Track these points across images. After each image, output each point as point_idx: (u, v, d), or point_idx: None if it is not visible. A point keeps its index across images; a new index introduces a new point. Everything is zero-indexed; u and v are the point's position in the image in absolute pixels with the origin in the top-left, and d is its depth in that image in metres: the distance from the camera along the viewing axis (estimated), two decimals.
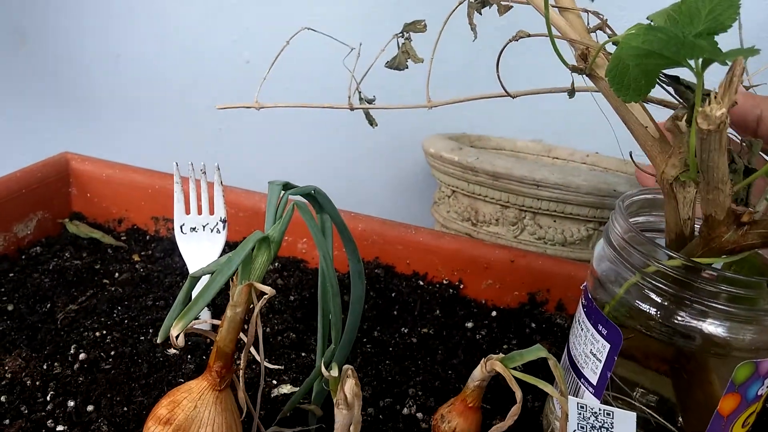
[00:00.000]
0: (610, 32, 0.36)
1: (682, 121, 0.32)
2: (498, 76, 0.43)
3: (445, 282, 0.53)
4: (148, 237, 0.58)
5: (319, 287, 0.34)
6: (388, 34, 0.51)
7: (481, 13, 0.45)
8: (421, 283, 0.53)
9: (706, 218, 0.29)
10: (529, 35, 0.39)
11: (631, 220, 0.35)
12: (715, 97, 0.26)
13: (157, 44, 0.81)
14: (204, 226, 0.44)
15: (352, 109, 0.49)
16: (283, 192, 0.34)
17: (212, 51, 0.81)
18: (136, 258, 0.54)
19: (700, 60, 0.27)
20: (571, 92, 0.39)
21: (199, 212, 0.44)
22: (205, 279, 0.30)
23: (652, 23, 0.30)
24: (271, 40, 0.79)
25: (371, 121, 0.51)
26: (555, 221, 0.56)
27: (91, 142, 0.86)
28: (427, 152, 0.64)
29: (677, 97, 0.33)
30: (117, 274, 0.51)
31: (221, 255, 0.45)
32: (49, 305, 0.45)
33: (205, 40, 0.80)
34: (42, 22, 0.84)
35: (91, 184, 0.61)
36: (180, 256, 0.47)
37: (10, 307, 0.44)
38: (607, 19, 0.37)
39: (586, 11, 0.38)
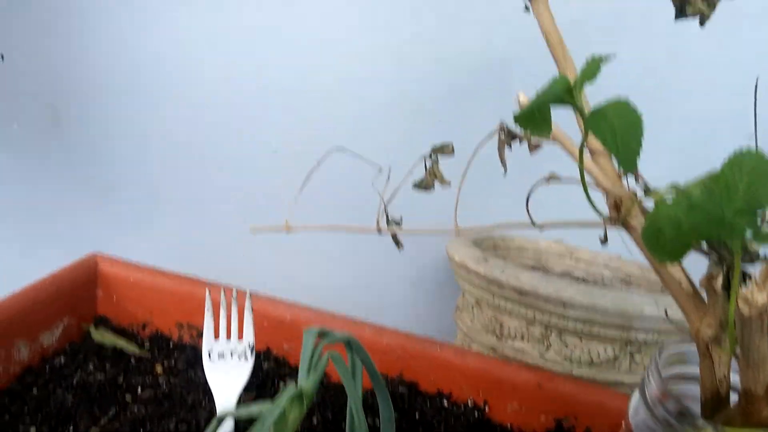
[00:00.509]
0: (642, 180, 0.37)
1: (717, 280, 0.32)
2: (527, 210, 0.43)
3: (469, 404, 0.52)
4: (171, 344, 0.58)
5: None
6: (416, 153, 0.52)
7: (511, 148, 0.46)
8: (446, 403, 0.52)
9: (745, 390, 0.29)
10: (560, 179, 0.40)
11: (667, 371, 0.35)
12: (756, 283, 0.26)
13: (186, 128, 0.83)
14: (231, 353, 0.43)
15: (379, 232, 0.50)
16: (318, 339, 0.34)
17: (239, 137, 0.82)
18: (158, 370, 0.54)
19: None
20: (604, 240, 0.39)
21: (228, 337, 0.44)
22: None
23: (688, 195, 0.30)
24: (298, 128, 0.82)
25: (398, 243, 0.51)
26: (581, 341, 0.56)
27: (116, 233, 0.87)
28: (452, 259, 0.64)
29: (711, 253, 0.33)
30: (140, 389, 0.50)
31: (247, 382, 0.45)
32: (71, 428, 0.44)
33: (232, 127, 0.82)
34: (74, 103, 0.87)
35: (117, 287, 0.61)
36: (203, 369, 0.47)
37: (32, 431, 0.44)
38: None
39: None
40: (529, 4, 0.40)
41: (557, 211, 0.46)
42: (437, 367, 0.54)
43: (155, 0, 0.78)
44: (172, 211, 0.87)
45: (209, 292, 0.43)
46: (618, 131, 0.29)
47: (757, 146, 0.30)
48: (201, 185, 0.85)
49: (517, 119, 0.31)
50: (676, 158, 0.67)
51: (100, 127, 0.85)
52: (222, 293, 0.45)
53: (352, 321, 0.57)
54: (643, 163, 0.30)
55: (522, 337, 0.58)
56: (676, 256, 0.31)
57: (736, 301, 0.26)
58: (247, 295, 0.43)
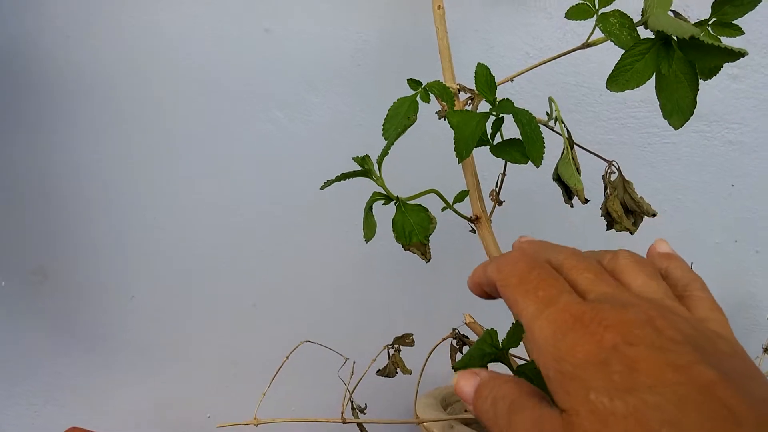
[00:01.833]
0: None
1: None
2: None
3: None
4: None
5: None
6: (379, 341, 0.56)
7: (462, 353, 0.50)
8: None
9: None
10: None
11: None
12: None
13: (166, 286, 0.87)
14: None
15: (344, 423, 0.53)
16: None
17: (218, 291, 0.86)
18: None
19: None
20: None
21: None
22: None
23: None
24: (278, 282, 0.85)
25: (363, 431, 0.54)
26: None
27: (100, 391, 0.88)
28: (420, 421, 0.67)
29: None
30: None
31: None
32: None
33: (210, 281, 0.86)
34: (62, 264, 0.90)
35: None
36: None
37: None
38: None
39: None
40: (474, 227, 0.45)
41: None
42: None
43: (146, 173, 0.84)
44: (156, 371, 0.89)
45: None
46: None
47: None
48: (184, 349, 0.88)
49: (455, 368, 0.35)
50: None
51: (87, 287, 0.88)
52: None
53: None
54: None
55: None
56: None
57: None
58: None
